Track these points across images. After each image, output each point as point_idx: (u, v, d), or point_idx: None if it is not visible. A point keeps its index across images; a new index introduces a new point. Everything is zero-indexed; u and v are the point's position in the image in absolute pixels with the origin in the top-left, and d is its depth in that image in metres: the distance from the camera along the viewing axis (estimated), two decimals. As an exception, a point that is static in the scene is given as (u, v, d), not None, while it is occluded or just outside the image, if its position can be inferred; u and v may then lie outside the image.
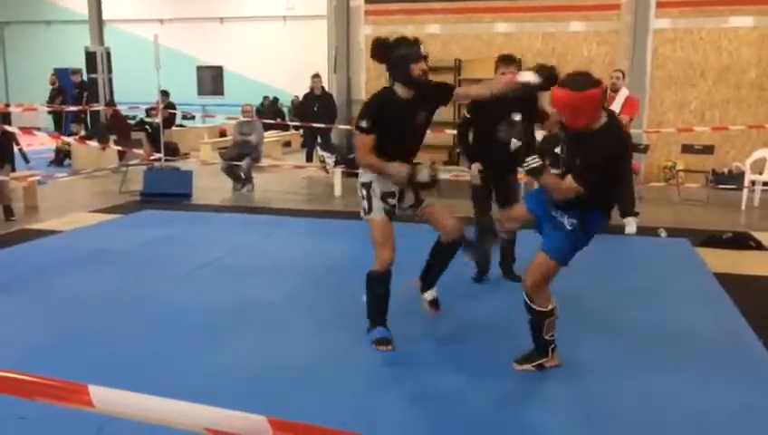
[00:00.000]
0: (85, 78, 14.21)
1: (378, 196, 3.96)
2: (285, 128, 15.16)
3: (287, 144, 15.89)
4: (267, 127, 12.72)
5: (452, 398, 3.36)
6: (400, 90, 3.87)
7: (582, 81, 3.23)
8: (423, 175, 3.92)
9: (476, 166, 5.15)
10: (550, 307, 3.50)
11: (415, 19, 11.94)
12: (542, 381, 3.56)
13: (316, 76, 11.69)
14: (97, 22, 14.60)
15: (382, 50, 3.87)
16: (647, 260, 6.24)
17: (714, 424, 3.16)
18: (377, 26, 12.26)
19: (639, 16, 10.66)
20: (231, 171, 9.88)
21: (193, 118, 17.66)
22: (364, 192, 4.00)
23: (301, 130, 13.58)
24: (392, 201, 3.99)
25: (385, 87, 3.97)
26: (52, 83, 15.11)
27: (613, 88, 7.50)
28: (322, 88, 11.75)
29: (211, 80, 21.97)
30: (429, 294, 4.29)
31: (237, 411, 1.37)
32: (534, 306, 3.49)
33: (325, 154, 10.48)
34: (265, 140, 11.39)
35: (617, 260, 6.21)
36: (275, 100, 18.29)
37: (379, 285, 3.97)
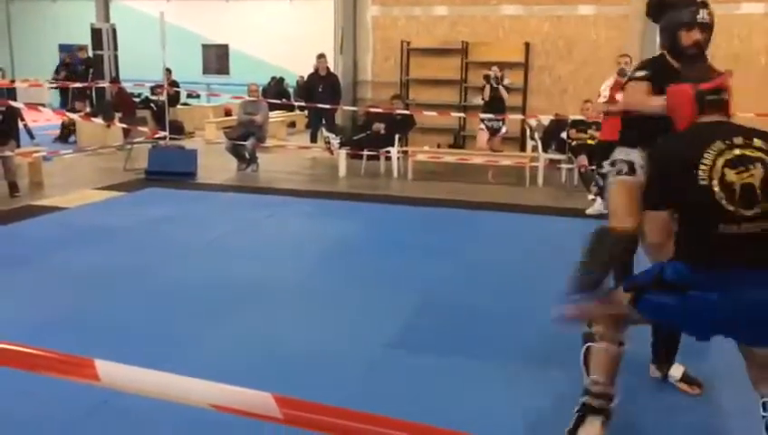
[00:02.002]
0: (91, 54, 14.17)
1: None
2: (290, 108, 15.11)
3: (292, 124, 15.85)
4: (272, 107, 12.67)
5: (457, 380, 3.38)
6: (671, 59, 3.13)
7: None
8: None
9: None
10: None
11: (422, 0, 11.86)
12: (543, 366, 3.56)
13: (321, 57, 11.63)
14: (103, -2, 14.53)
15: (656, 6, 3.21)
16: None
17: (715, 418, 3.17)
18: (384, 7, 12.18)
19: (649, 1, 10.56)
20: (235, 151, 9.86)
21: (198, 97, 17.61)
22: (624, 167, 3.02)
23: (306, 111, 13.55)
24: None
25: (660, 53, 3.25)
26: (63, 59, 15.04)
27: (621, 73, 7.44)
28: (327, 69, 11.69)
29: (216, 58, 21.88)
30: (676, 370, 3.32)
31: (242, 388, 1.37)
32: None
33: (330, 135, 10.45)
34: (270, 120, 11.35)
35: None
36: (281, 80, 18.22)
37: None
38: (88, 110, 13.01)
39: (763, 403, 2.41)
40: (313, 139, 12.11)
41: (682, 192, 2.34)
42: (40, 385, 2.27)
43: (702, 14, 3.05)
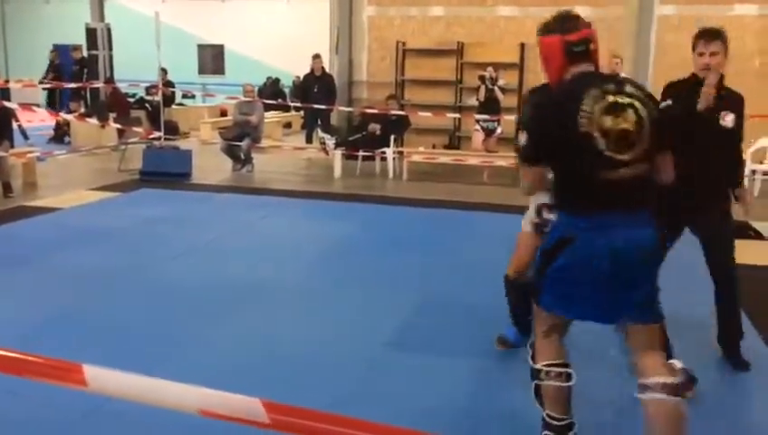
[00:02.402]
0: (85, 54, 14.12)
1: None
2: (286, 108, 15.09)
3: (287, 125, 15.83)
4: (267, 107, 12.66)
5: (455, 379, 3.37)
6: None
7: None
8: None
9: None
10: None
11: (418, 1, 11.85)
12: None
13: (316, 57, 11.62)
14: (98, -2, 14.50)
15: None
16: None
17: (714, 413, 3.17)
18: (380, 7, 12.17)
19: (644, 3, 10.58)
20: (231, 151, 9.85)
21: (193, 97, 17.58)
22: None
23: (301, 112, 13.53)
24: None
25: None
26: (52, 60, 14.99)
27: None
28: (323, 69, 11.68)
29: (212, 59, 21.85)
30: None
31: (231, 393, 1.37)
32: None
33: (325, 136, 10.44)
34: (266, 120, 11.34)
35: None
36: (276, 80, 18.20)
37: None
38: (82, 110, 12.98)
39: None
40: (309, 139, 12.09)
41: (563, 142, 2.35)
42: (34, 387, 2.26)
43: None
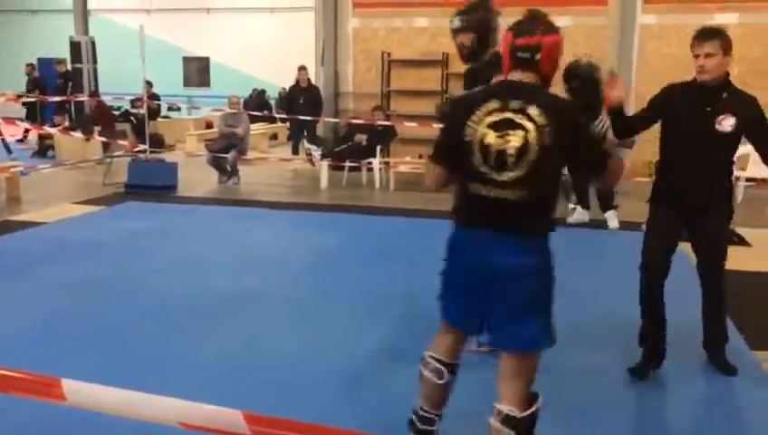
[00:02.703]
0: (70, 68, 14.05)
1: None
2: (272, 120, 15.08)
3: (273, 136, 15.81)
4: (253, 119, 12.64)
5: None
6: None
7: None
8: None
9: None
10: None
11: (403, 12, 11.90)
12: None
13: (302, 68, 11.63)
14: (82, 11, 14.45)
15: None
16: (630, 255, 6.25)
17: (698, 418, 3.18)
18: (364, 19, 12.21)
19: (626, 12, 10.69)
20: (217, 163, 9.82)
21: (179, 109, 17.53)
22: None
23: (287, 123, 13.52)
24: None
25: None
26: (29, 74, 14.83)
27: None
28: (308, 80, 11.69)
29: (197, 71, 21.79)
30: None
31: (211, 405, 1.35)
32: None
33: (311, 147, 10.44)
34: (251, 132, 11.32)
35: (600, 255, 6.24)
36: (262, 92, 18.19)
37: None
38: (67, 123, 12.90)
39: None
40: (295, 151, 12.09)
41: (455, 147, 2.32)
42: (17, 400, 2.23)
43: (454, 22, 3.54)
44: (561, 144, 2.22)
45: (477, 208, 2.32)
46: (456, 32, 3.62)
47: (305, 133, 11.43)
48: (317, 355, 3.78)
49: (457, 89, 11.20)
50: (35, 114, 14.31)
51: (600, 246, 6.70)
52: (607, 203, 7.29)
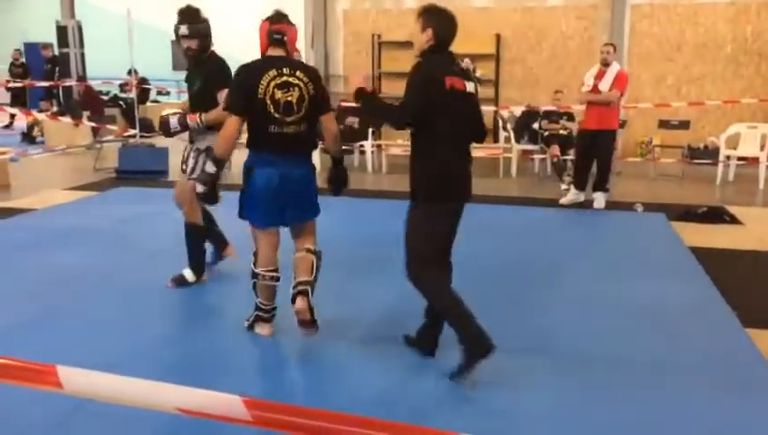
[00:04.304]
0: (56, 53, 13.89)
1: None
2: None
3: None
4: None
5: (436, 373, 3.37)
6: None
7: None
8: None
9: None
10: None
11: (392, -7, 11.82)
12: (523, 355, 3.57)
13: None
14: (68, -6, 14.24)
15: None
16: (623, 234, 6.29)
17: (688, 394, 3.21)
18: (354, 1, 12.11)
19: (617, -9, 10.64)
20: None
21: (168, 93, 17.37)
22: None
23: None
24: None
25: None
26: (15, 59, 14.65)
27: (604, 62, 7.22)
28: (299, 63, 11.60)
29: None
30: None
31: (210, 391, 1.35)
32: None
33: (303, 130, 10.37)
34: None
35: (593, 234, 6.26)
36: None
37: None
38: (54, 109, 12.78)
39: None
40: (286, 134, 12.01)
41: (250, 102, 3.40)
42: (14, 388, 2.22)
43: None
44: (317, 93, 3.54)
45: (272, 141, 3.45)
46: (183, 38, 4.62)
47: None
48: (308, 339, 3.77)
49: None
50: (22, 100, 14.17)
51: (597, 225, 6.71)
52: (601, 183, 7.29)
